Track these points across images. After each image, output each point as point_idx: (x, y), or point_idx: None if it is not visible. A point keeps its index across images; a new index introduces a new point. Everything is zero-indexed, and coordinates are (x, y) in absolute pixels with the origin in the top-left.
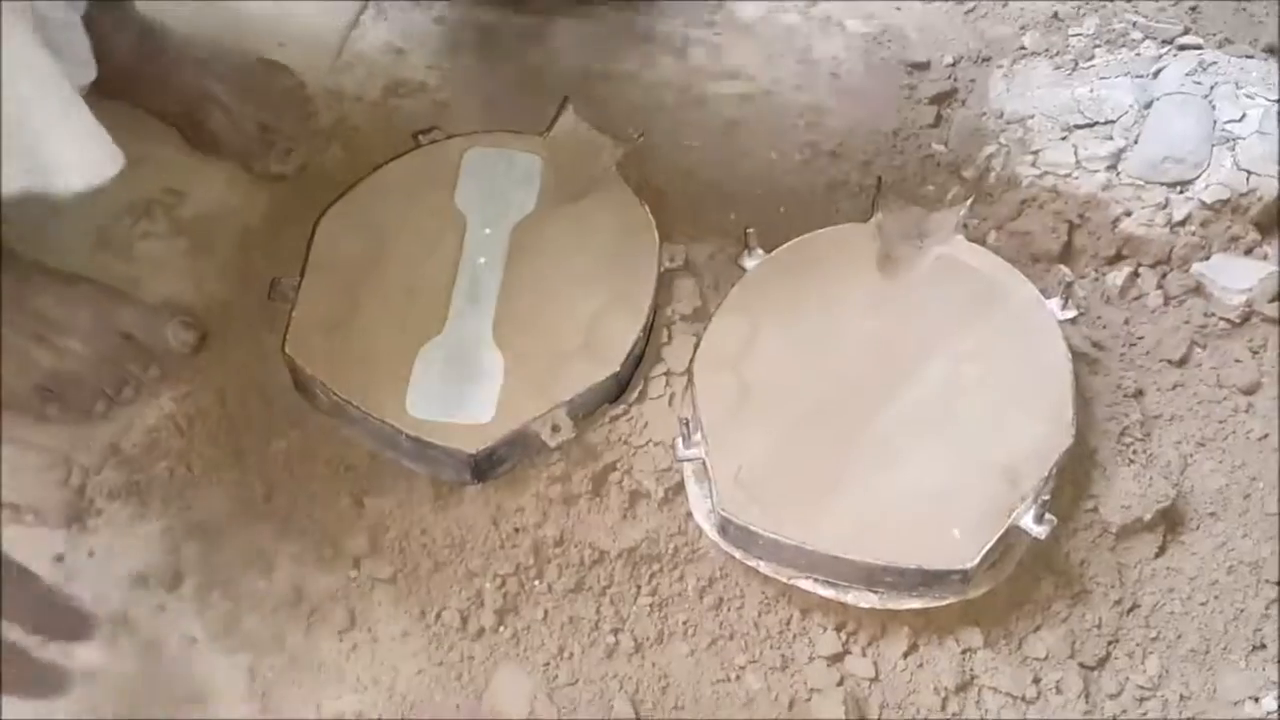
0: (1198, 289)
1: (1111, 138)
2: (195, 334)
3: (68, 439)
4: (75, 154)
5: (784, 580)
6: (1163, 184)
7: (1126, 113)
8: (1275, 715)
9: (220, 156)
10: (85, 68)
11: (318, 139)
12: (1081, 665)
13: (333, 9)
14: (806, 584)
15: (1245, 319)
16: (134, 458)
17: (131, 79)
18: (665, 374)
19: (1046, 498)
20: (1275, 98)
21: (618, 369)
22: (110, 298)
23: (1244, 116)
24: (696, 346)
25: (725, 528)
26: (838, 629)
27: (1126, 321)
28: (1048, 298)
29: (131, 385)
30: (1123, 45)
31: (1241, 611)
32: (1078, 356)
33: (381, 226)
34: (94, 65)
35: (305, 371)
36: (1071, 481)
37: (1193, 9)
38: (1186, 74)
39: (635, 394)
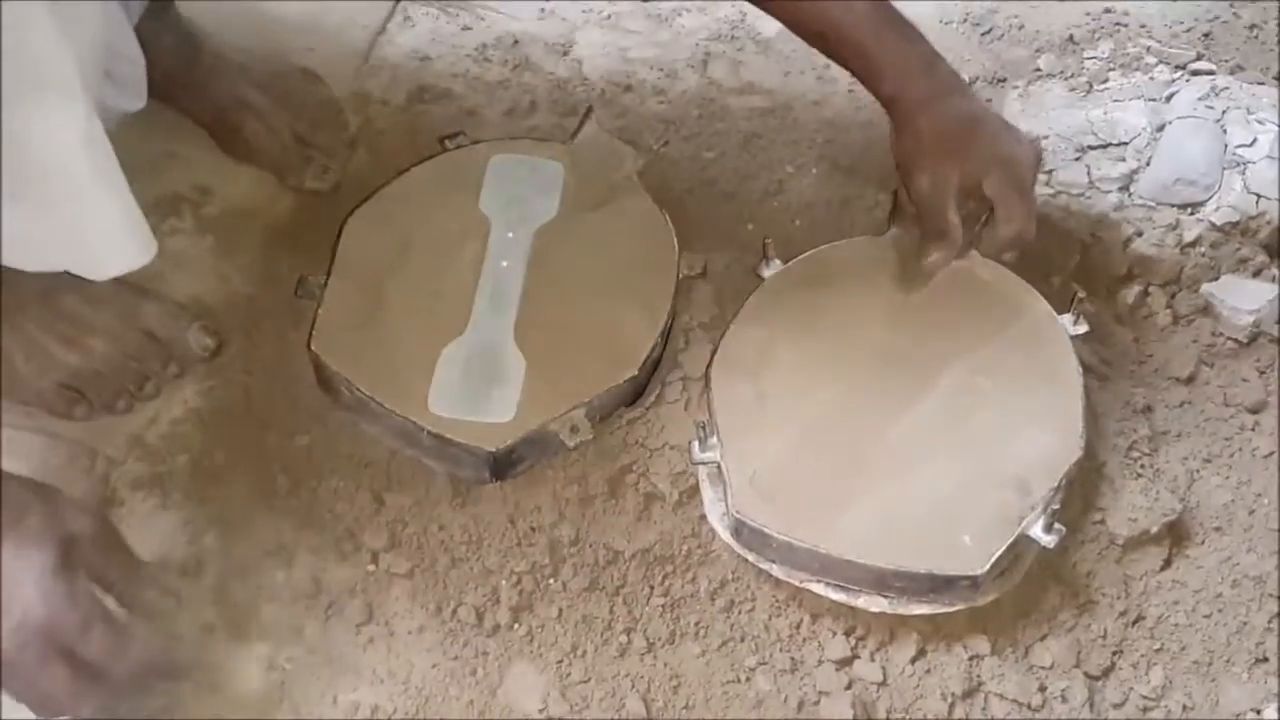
0: (1206, 309)
1: (1124, 159)
2: (215, 339)
3: (92, 431)
4: (115, 243)
5: (795, 584)
6: (1174, 205)
7: (1139, 135)
8: None
9: (254, 165)
10: (137, 98)
11: (347, 149)
12: (1087, 675)
13: (360, 15)
14: (817, 588)
15: (1253, 339)
16: (158, 450)
17: (170, 84)
18: (682, 379)
19: (1056, 508)
20: None
21: (636, 373)
22: (134, 297)
23: (1255, 141)
24: (714, 352)
25: (739, 530)
26: (847, 633)
27: (1136, 339)
28: (1059, 314)
29: (153, 383)
30: (1136, 69)
31: (1245, 625)
32: (1088, 372)
33: (407, 228)
34: (145, 95)
35: (330, 368)
36: (1080, 494)
37: (1205, 35)
38: (1199, 98)
39: (652, 398)
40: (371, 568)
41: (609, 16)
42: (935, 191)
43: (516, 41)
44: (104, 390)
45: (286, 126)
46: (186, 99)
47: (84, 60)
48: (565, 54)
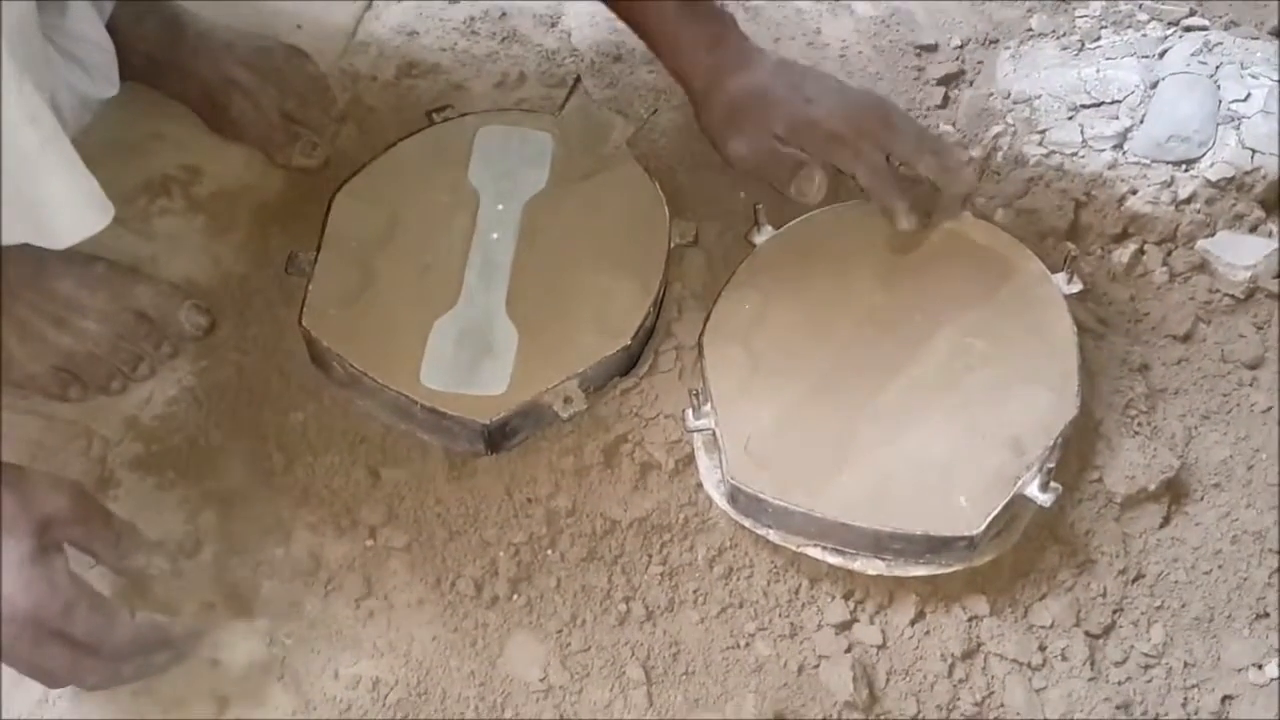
0: (1202, 265)
1: (1118, 117)
2: (207, 318)
3: (88, 411)
4: (71, 210)
5: (793, 549)
6: (1168, 162)
7: (1132, 92)
8: (1278, 681)
9: (243, 143)
10: (109, 84)
11: (335, 125)
12: (1087, 633)
13: None
14: (815, 552)
15: (1249, 295)
16: (153, 429)
17: (154, 65)
18: (675, 348)
19: (1052, 466)
20: (1279, 78)
21: (629, 342)
22: (125, 278)
23: (1249, 96)
24: (707, 320)
25: (735, 497)
26: (846, 597)
27: (1132, 297)
28: (1054, 273)
29: (146, 363)
30: (1129, 26)
31: (1245, 580)
32: (1084, 331)
33: (396, 202)
34: (117, 82)
35: (322, 344)
36: (1077, 454)
37: None
38: (1192, 54)
39: (646, 367)
40: (369, 542)
41: None
42: (751, 148)
43: (504, 14)
44: (98, 371)
45: (274, 104)
46: (173, 79)
47: (12, 36)
48: (553, 25)
